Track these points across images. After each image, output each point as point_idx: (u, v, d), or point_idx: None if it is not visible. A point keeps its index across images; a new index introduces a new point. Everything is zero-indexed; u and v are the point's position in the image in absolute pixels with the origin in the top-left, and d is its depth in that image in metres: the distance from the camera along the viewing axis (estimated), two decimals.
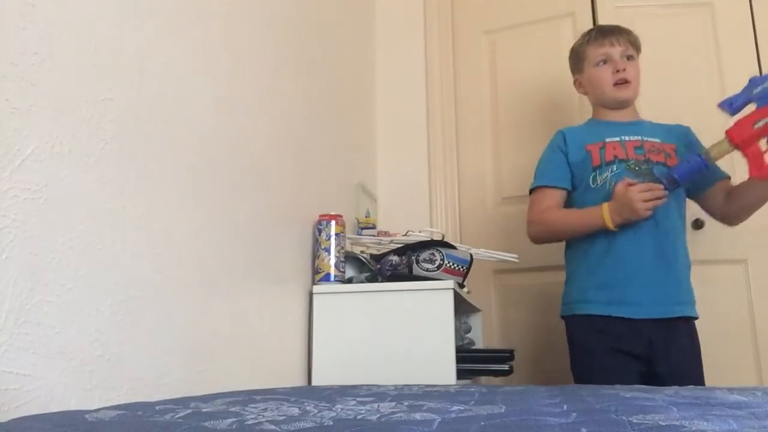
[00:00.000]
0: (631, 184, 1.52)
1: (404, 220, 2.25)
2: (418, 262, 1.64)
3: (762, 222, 2.12)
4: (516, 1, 2.47)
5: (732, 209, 1.67)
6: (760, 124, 1.43)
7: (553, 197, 1.70)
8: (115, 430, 0.59)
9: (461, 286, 1.70)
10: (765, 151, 1.46)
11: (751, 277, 2.09)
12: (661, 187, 1.51)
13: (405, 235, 1.77)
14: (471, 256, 1.71)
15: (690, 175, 1.51)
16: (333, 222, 1.60)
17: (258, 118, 1.40)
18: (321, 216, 1.63)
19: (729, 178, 1.69)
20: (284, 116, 1.55)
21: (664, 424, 0.53)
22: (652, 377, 1.54)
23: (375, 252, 1.79)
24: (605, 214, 1.56)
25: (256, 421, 0.60)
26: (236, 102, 1.31)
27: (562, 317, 1.71)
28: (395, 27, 2.56)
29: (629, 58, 1.70)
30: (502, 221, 2.32)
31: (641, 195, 1.50)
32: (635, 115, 1.74)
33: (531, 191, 1.76)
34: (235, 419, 0.61)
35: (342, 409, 0.71)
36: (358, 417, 0.63)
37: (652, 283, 1.57)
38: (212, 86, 1.21)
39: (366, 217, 2.07)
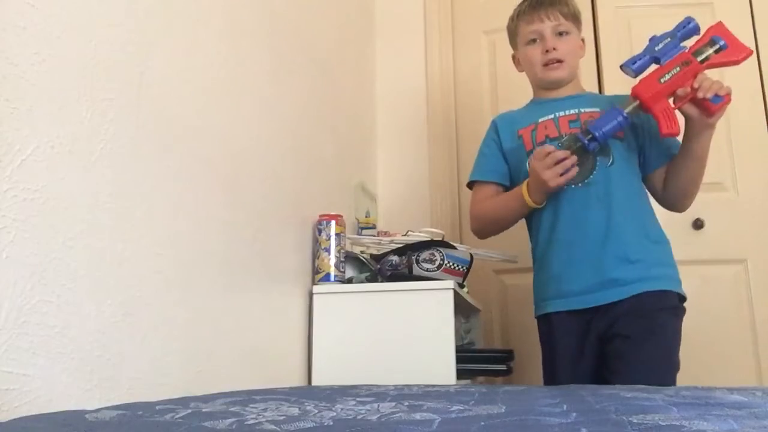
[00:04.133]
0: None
1: (404, 220, 2.25)
2: (418, 262, 1.64)
3: (762, 222, 2.13)
4: (516, 1, 2.47)
5: (669, 189, 1.53)
6: (666, 78, 1.39)
7: (487, 190, 1.61)
8: (115, 430, 0.59)
9: (461, 286, 1.70)
10: (674, 108, 1.40)
11: (751, 277, 2.09)
12: (566, 152, 1.39)
13: (405, 235, 1.77)
14: (471, 256, 1.71)
15: (609, 127, 1.39)
16: (333, 222, 1.60)
17: (258, 118, 1.40)
18: (321, 216, 1.63)
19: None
20: (284, 116, 1.55)
21: (664, 424, 0.53)
22: (610, 359, 1.42)
23: (375, 252, 1.79)
24: (524, 192, 1.47)
25: (256, 421, 0.60)
26: (236, 102, 1.31)
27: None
28: (395, 27, 2.56)
29: (562, 33, 1.56)
30: None
31: (543, 163, 1.39)
32: (576, 90, 1.62)
33: (470, 186, 1.68)
34: (235, 419, 0.61)
35: (342, 409, 0.71)
36: (358, 417, 0.63)
37: (603, 265, 1.44)
38: (212, 86, 1.21)
39: (366, 217, 2.07)
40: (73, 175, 0.83)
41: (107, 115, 0.90)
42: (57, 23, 0.82)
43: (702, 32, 1.44)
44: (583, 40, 1.65)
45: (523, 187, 1.49)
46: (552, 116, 1.56)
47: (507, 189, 1.61)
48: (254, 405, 0.75)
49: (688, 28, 1.44)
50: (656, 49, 1.42)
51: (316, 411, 0.69)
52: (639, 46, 2.37)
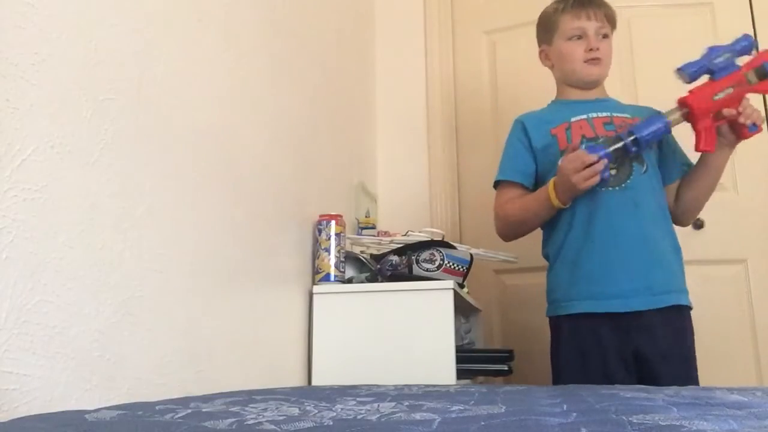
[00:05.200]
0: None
1: (404, 220, 2.25)
2: (418, 262, 1.64)
3: (762, 222, 2.13)
4: (516, 1, 2.47)
5: (682, 201, 1.57)
6: (720, 96, 1.39)
7: (513, 191, 1.59)
8: (115, 430, 0.59)
9: (461, 286, 1.70)
10: (715, 124, 1.41)
11: (751, 277, 2.09)
12: (593, 157, 1.38)
13: (405, 235, 1.77)
14: (471, 256, 1.71)
15: (652, 132, 1.40)
16: (333, 222, 1.60)
17: (258, 118, 1.40)
18: (321, 216, 1.63)
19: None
20: (284, 116, 1.55)
21: (664, 424, 0.53)
22: (645, 377, 1.43)
23: (375, 252, 1.79)
24: (551, 192, 1.46)
25: (256, 421, 0.60)
26: (236, 102, 1.31)
27: (548, 316, 1.58)
28: (395, 27, 2.56)
29: (604, 36, 1.58)
30: None
31: (572, 165, 1.39)
32: (603, 94, 1.64)
33: (495, 186, 1.65)
34: (235, 419, 0.61)
35: (342, 409, 0.71)
36: (358, 417, 0.63)
37: (637, 271, 1.44)
38: (212, 86, 1.21)
39: (366, 217, 2.07)
40: (73, 175, 0.83)
41: (107, 115, 0.90)
42: (57, 23, 0.82)
43: (754, 53, 1.44)
44: None
45: (550, 187, 1.47)
46: (585, 116, 1.56)
47: (531, 191, 1.60)
48: (254, 405, 0.75)
49: (743, 45, 1.43)
50: (714, 61, 1.41)
51: (316, 411, 0.69)
52: (639, 47, 2.38)
